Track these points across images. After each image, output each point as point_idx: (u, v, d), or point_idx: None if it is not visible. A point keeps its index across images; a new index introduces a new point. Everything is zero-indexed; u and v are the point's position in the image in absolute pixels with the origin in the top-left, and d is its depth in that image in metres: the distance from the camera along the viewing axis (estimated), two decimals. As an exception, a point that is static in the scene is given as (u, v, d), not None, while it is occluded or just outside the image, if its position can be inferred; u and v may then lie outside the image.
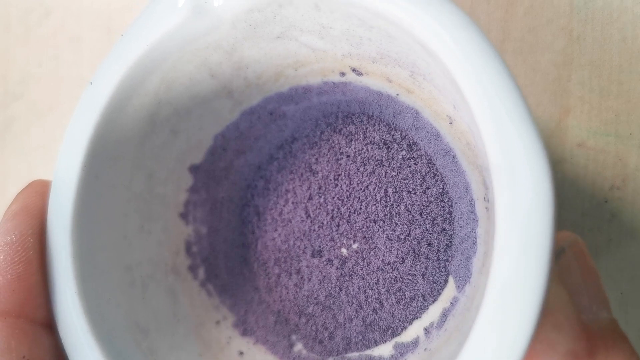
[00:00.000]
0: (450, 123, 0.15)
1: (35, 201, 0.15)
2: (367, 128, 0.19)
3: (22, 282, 0.14)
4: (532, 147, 0.10)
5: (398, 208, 0.18)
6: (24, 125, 0.26)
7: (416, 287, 0.18)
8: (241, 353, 0.19)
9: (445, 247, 0.18)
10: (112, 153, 0.16)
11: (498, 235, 0.10)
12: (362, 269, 0.19)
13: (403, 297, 0.18)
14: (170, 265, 0.18)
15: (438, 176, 0.18)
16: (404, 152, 0.18)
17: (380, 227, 0.19)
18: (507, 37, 0.20)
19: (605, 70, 0.19)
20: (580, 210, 0.20)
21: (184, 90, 0.16)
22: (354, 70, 0.16)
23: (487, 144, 0.10)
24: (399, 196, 0.18)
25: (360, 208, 0.19)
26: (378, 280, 0.19)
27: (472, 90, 0.11)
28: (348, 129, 0.19)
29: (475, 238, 0.16)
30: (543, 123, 0.20)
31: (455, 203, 0.17)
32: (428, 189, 0.18)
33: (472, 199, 0.16)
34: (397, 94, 0.16)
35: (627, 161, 0.19)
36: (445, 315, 0.17)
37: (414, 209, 0.18)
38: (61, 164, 0.15)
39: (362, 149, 0.19)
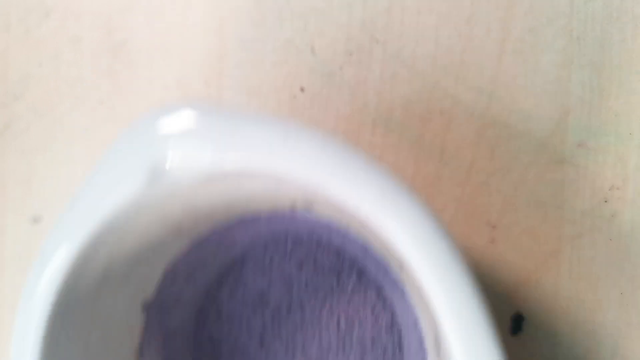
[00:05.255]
0: (400, 268, 0.15)
1: None
2: (316, 256, 0.19)
3: None
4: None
5: (350, 337, 0.19)
6: (24, 125, 0.26)
7: None
8: None
9: None
10: (70, 321, 0.15)
11: None
12: None
13: None
14: None
15: (387, 307, 0.19)
16: (353, 280, 0.19)
17: (334, 356, 0.19)
18: (507, 37, 0.20)
19: (605, 70, 0.19)
20: (580, 210, 0.19)
21: (136, 240, 0.16)
22: (304, 208, 0.16)
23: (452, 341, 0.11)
24: (350, 326, 0.19)
25: (314, 337, 0.19)
26: None
27: (438, 300, 0.11)
28: (298, 255, 0.19)
29: None
30: (543, 123, 0.20)
31: (404, 332, 0.18)
32: (378, 318, 0.19)
33: (420, 335, 0.17)
34: (348, 226, 0.16)
35: (627, 161, 0.19)
36: None
37: (365, 338, 0.19)
38: (17, 343, 0.14)
39: (313, 278, 0.19)
